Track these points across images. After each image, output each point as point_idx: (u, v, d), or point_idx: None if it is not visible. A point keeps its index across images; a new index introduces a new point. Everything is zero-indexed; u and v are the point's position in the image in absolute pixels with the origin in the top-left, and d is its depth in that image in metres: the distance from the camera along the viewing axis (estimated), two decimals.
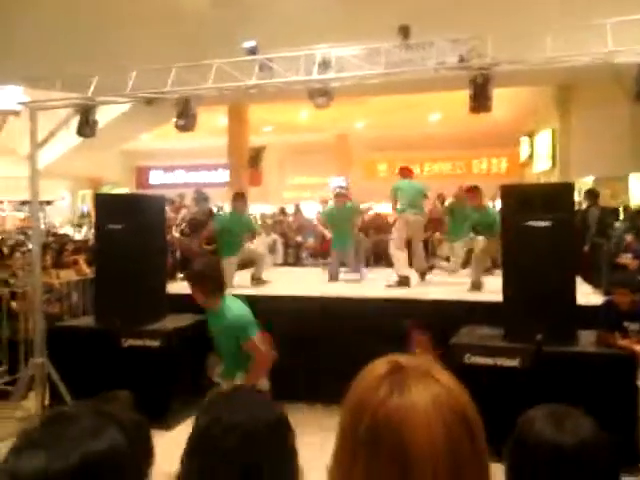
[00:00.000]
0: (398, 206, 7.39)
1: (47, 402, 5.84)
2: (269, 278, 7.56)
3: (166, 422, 5.20)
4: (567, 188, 5.26)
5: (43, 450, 0.89)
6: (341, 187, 8.22)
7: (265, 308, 6.23)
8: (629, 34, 4.70)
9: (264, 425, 1.14)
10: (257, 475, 1.10)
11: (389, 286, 6.92)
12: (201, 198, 12.59)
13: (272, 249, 10.66)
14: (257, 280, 7.37)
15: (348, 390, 0.85)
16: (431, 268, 8.25)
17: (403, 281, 6.96)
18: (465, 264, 8.02)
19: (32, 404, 5.86)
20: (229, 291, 5.91)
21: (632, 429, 4.44)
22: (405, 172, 7.81)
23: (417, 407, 0.77)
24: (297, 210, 13.69)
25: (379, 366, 0.84)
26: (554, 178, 15.08)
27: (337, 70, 5.50)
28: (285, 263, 10.77)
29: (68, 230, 17.17)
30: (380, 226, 11.93)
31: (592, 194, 9.67)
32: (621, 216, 10.91)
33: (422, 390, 0.78)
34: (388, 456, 0.75)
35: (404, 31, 5.32)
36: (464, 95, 5.28)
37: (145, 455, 1.04)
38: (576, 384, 4.51)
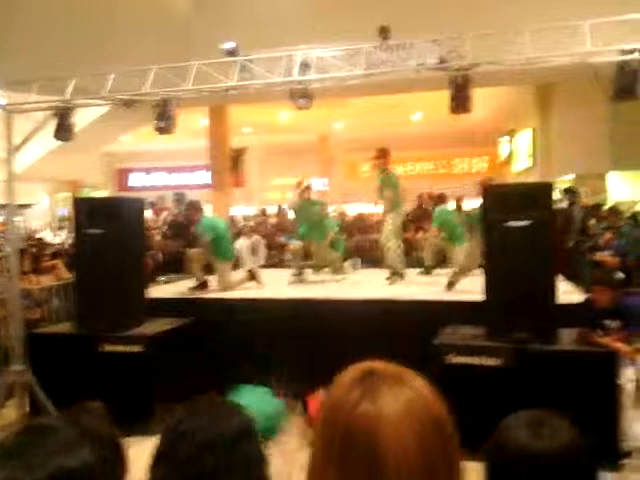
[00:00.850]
0: (396, 199, 7.27)
1: (27, 410, 5.76)
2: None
3: (149, 428, 5.13)
4: (546, 188, 5.30)
5: (12, 461, 0.87)
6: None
7: (247, 311, 6.22)
8: (606, 34, 4.75)
9: (218, 436, 1.12)
10: None
11: (389, 279, 7.06)
12: (179, 200, 12.51)
13: (254, 251, 10.62)
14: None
15: (325, 395, 0.85)
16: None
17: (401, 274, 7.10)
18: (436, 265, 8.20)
19: (12, 412, 5.77)
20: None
21: (613, 426, 4.49)
22: (388, 159, 7.38)
23: (388, 414, 0.76)
24: (279, 211, 13.65)
25: (352, 372, 0.84)
26: (534, 177, 15.22)
27: (317, 71, 5.49)
28: (268, 265, 10.72)
29: (47, 234, 16.93)
30: (363, 227, 11.95)
31: (572, 192, 9.78)
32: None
33: (393, 396, 0.78)
34: (360, 461, 0.75)
35: (384, 32, 5.32)
36: (445, 95, 5.30)
37: (120, 471, 1.02)
38: (558, 382, 4.55)
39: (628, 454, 4.48)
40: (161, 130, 5.78)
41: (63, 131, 5.87)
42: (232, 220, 13.15)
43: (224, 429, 1.13)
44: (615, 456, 4.40)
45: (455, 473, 0.80)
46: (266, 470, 1.16)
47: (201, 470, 1.08)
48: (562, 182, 13.37)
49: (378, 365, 0.85)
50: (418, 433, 0.76)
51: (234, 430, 1.14)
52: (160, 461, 1.12)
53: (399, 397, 0.78)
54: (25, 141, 6.04)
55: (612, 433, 4.46)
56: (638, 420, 4.63)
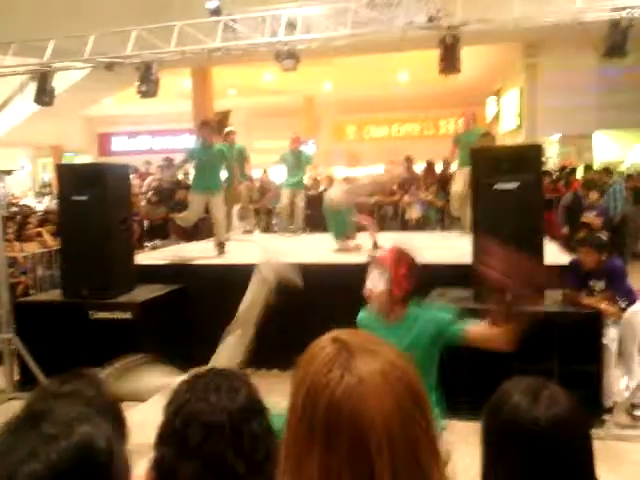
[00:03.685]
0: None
1: (17, 377, 5.77)
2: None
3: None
4: (535, 150, 5.27)
5: (34, 432, 0.84)
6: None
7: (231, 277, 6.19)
8: None
9: (224, 414, 1.09)
10: (221, 465, 1.06)
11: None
12: (167, 165, 12.34)
13: (242, 217, 10.54)
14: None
15: (297, 369, 0.84)
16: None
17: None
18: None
19: (1, 380, 5.78)
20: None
21: (597, 384, 4.59)
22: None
23: (368, 382, 0.77)
24: (264, 174, 13.54)
25: (327, 348, 0.82)
26: (521, 137, 15.18)
27: (303, 31, 5.37)
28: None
29: (30, 201, 16.68)
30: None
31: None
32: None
33: (370, 365, 0.79)
34: (346, 433, 0.75)
35: None
36: (432, 55, 5.21)
37: (124, 440, 1.02)
38: (544, 342, 4.61)
39: (610, 410, 4.60)
40: (144, 94, 5.66)
41: (43, 95, 5.72)
42: None
43: (225, 408, 1.10)
44: (599, 412, 4.52)
45: (431, 432, 0.80)
46: (274, 444, 1.14)
47: (207, 452, 1.06)
48: (549, 142, 13.37)
49: (345, 336, 0.83)
50: (397, 399, 0.77)
51: (237, 408, 1.11)
52: (164, 442, 1.09)
53: (375, 366, 0.79)
54: (2, 106, 5.89)
55: (596, 390, 4.57)
56: (619, 377, 4.74)
